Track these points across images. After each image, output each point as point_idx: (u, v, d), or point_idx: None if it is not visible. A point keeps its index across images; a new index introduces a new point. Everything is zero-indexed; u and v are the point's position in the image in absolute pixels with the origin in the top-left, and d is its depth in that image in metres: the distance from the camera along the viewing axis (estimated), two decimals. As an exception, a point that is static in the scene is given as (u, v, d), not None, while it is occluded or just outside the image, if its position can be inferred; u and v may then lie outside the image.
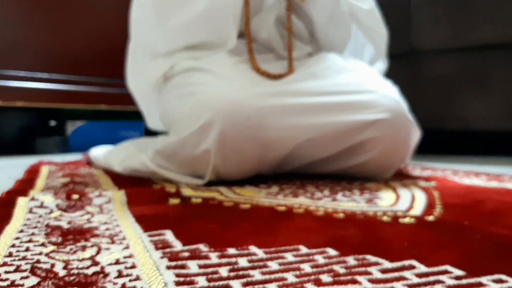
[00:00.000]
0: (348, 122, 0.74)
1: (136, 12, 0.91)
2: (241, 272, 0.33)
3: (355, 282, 0.31)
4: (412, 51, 1.35)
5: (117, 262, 0.35)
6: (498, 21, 1.21)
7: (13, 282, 0.31)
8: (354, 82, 0.78)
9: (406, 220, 0.49)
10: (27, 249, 0.38)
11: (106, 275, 0.32)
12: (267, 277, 0.32)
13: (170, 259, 0.36)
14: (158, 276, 0.32)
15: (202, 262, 0.35)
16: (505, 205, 0.57)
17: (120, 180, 0.79)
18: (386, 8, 1.02)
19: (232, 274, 0.32)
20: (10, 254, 0.37)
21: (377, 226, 0.47)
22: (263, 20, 0.86)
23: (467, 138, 1.46)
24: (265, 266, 0.34)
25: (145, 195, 0.64)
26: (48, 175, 0.87)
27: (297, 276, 0.32)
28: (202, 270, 0.33)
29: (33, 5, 1.56)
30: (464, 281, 0.31)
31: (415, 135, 0.79)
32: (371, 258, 0.36)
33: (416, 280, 0.31)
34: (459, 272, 0.32)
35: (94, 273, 0.32)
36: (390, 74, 0.97)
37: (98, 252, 0.37)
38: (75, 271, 0.33)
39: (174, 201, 0.60)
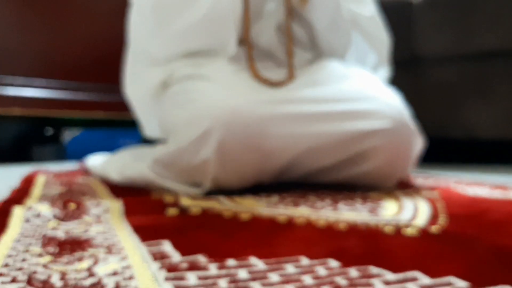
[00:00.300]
0: (349, 131, 0.74)
1: (134, 18, 0.91)
2: (240, 284, 0.33)
3: (357, 294, 0.31)
4: (414, 58, 1.36)
5: (115, 273, 0.35)
6: (501, 28, 1.21)
7: (9, 293, 0.31)
8: (355, 89, 0.78)
9: (409, 230, 0.49)
10: (24, 260, 0.38)
11: (103, 286, 0.32)
12: (267, 288, 0.32)
13: (169, 270, 0.36)
14: (156, 288, 0.32)
15: (201, 273, 0.35)
16: (510, 215, 0.57)
17: (117, 189, 0.79)
18: (388, 15, 1.02)
19: (231, 286, 0.32)
20: (7, 265, 0.37)
21: (379, 236, 0.47)
22: (263, 27, 0.86)
23: (471, 147, 1.46)
24: (265, 277, 0.34)
25: (143, 205, 0.64)
26: (45, 184, 0.87)
27: (298, 288, 0.32)
28: (201, 282, 0.33)
29: (30, 12, 1.57)
30: (468, 293, 0.31)
31: (418, 144, 0.80)
32: (374, 269, 0.36)
33: (419, 292, 0.31)
34: (463, 284, 0.32)
35: (92, 285, 0.32)
36: (393, 81, 0.97)
37: (95, 263, 0.37)
38: (72, 282, 0.33)
39: (173, 211, 0.60)
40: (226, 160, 0.71)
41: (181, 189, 0.75)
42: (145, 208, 0.62)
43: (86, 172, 1.10)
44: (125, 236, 0.46)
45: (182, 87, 0.81)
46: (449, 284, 0.33)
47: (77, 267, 0.36)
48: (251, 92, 0.75)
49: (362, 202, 0.67)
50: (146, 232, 0.48)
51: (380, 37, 0.96)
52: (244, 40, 0.84)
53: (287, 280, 0.34)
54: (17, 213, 0.56)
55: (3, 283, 0.33)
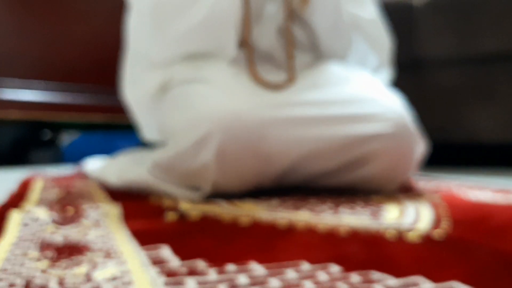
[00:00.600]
0: (350, 135, 0.74)
1: (133, 21, 0.91)
2: (241, 289, 0.33)
3: (358, 299, 0.31)
4: (416, 61, 1.36)
5: (114, 278, 0.35)
6: (504, 31, 1.22)
7: (6, 298, 0.31)
8: (356, 93, 0.79)
9: (411, 235, 0.49)
10: (22, 264, 0.38)
11: (102, 291, 0.32)
12: (267, 293, 0.32)
13: (168, 275, 0.36)
14: (155, 293, 0.32)
15: (200, 278, 0.35)
16: (513, 219, 0.57)
17: (116, 193, 0.80)
18: (390, 18, 1.03)
19: (231, 290, 0.33)
20: (4, 269, 0.37)
21: (381, 241, 0.47)
22: (263, 29, 0.86)
23: (474, 150, 1.46)
24: (266, 282, 0.34)
25: (142, 209, 0.64)
26: (43, 188, 0.87)
27: (298, 293, 0.32)
28: (200, 287, 0.33)
29: (27, 14, 1.57)
30: (470, 298, 0.31)
31: (420, 147, 0.80)
32: (375, 274, 0.36)
33: (420, 297, 0.31)
34: (465, 289, 0.33)
35: (90, 289, 0.33)
36: (395, 84, 0.97)
37: (93, 268, 0.37)
38: (71, 287, 0.33)
39: (172, 215, 0.60)
40: (226, 164, 0.71)
41: (180, 193, 0.76)
42: (144, 212, 0.62)
43: (84, 176, 1.10)
44: (124, 241, 0.47)
45: (181, 91, 0.81)
46: (451, 289, 0.33)
47: (75, 272, 0.36)
48: (251, 96, 0.76)
49: (364, 206, 0.68)
50: (145, 237, 0.48)
51: (381, 39, 0.97)
52: (244, 43, 0.84)
53: (287, 285, 0.34)
54: (15, 217, 0.56)
55: (1, 287, 0.33)
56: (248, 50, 0.83)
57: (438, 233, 0.50)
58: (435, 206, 0.67)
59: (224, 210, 0.64)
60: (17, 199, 0.73)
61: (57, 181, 1.00)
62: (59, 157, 1.63)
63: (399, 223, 0.55)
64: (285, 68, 0.84)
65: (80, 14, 1.67)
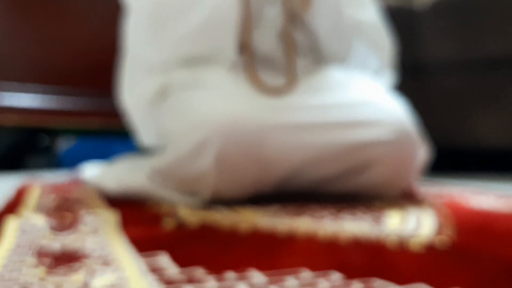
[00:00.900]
0: (351, 141, 0.75)
1: (131, 25, 0.91)
2: (240, 296, 0.33)
3: (359, 307, 0.31)
4: (419, 65, 1.37)
5: (111, 286, 0.35)
6: (507, 35, 1.22)
7: (3, 306, 0.31)
8: (357, 98, 0.79)
9: (413, 242, 0.49)
10: (19, 271, 0.38)
11: (100, 299, 0.32)
12: (267, 301, 0.32)
13: (166, 283, 0.36)
14: (154, 300, 0.32)
15: (199, 286, 0.35)
16: (516, 226, 0.57)
17: (114, 200, 0.80)
18: (392, 22, 1.03)
19: (231, 298, 0.33)
20: (2, 276, 0.37)
21: (383, 248, 0.47)
22: (263, 33, 0.87)
23: (477, 156, 1.46)
24: (266, 290, 0.34)
25: (140, 216, 0.64)
26: (40, 194, 0.87)
27: (298, 301, 0.32)
28: (199, 294, 0.33)
29: (24, 18, 1.58)
30: (472, 306, 0.31)
31: (423, 153, 0.80)
32: (378, 281, 0.36)
33: (422, 305, 0.31)
34: (467, 297, 0.33)
35: (88, 297, 0.33)
36: (398, 88, 0.97)
37: (91, 275, 0.38)
38: (68, 295, 0.33)
39: (170, 222, 0.60)
40: (225, 169, 0.71)
41: (179, 199, 0.76)
42: (142, 219, 0.62)
43: (81, 182, 1.10)
44: (122, 248, 0.47)
45: (180, 96, 0.81)
46: (453, 297, 0.33)
47: (73, 279, 0.36)
48: (250, 101, 0.76)
49: (365, 212, 0.68)
50: (143, 244, 0.48)
51: (383, 42, 0.97)
52: (244, 47, 0.84)
53: (287, 292, 0.34)
54: (13, 224, 0.56)
55: (-3, 295, 0.33)
56: (248, 54, 0.83)
57: (440, 240, 0.50)
58: (437, 212, 0.67)
59: (223, 216, 0.64)
60: (14, 205, 0.73)
61: (55, 187, 1.00)
62: (55, 163, 1.63)
63: (401, 230, 0.55)
64: (285, 72, 0.84)
65: (77, 17, 1.68)
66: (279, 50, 0.87)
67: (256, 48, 0.86)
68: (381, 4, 1.02)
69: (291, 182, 0.79)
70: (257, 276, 0.37)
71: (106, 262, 0.41)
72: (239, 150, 0.71)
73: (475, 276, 0.38)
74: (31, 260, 0.42)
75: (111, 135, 1.79)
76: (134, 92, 0.96)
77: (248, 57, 0.83)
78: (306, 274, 0.38)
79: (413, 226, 0.58)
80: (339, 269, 0.39)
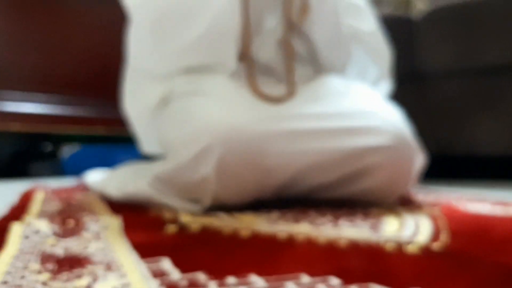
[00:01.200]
0: (349, 148, 0.75)
1: (133, 35, 0.92)
2: (241, 301, 0.33)
3: (357, 311, 0.31)
4: (417, 73, 1.37)
5: (114, 291, 0.35)
6: (504, 43, 1.22)
7: (8, 311, 0.31)
8: (355, 106, 0.79)
9: (411, 247, 0.49)
10: (23, 277, 0.38)
11: (103, 304, 0.32)
12: (267, 306, 0.32)
13: (169, 288, 0.36)
14: (156, 305, 0.32)
15: (201, 290, 0.35)
16: (512, 232, 0.57)
17: (116, 206, 0.80)
18: (390, 30, 1.03)
19: (232, 303, 0.33)
20: (5, 282, 0.37)
21: (380, 254, 0.47)
22: (263, 42, 0.87)
23: (475, 163, 1.46)
24: (266, 295, 0.34)
25: (142, 222, 0.64)
26: (43, 201, 0.87)
27: (298, 306, 0.32)
28: (201, 299, 0.33)
29: (28, 27, 1.58)
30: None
31: (420, 160, 0.80)
32: (375, 287, 0.36)
33: (420, 309, 0.31)
34: (464, 302, 0.33)
35: (91, 302, 0.33)
36: (395, 97, 0.98)
37: (94, 280, 0.38)
38: (71, 300, 0.33)
39: (172, 227, 0.60)
40: (225, 176, 0.71)
41: (180, 205, 0.76)
42: (144, 224, 0.62)
43: (85, 188, 1.10)
44: (124, 253, 0.47)
45: (181, 104, 0.81)
46: (450, 302, 0.33)
47: (76, 285, 0.36)
48: (251, 109, 0.76)
49: (363, 218, 0.68)
50: (146, 249, 0.48)
51: (381, 51, 0.97)
52: (244, 56, 0.85)
53: (287, 297, 0.34)
54: (16, 230, 0.56)
55: (2, 300, 0.33)
56: (248, 63, 0.83)
57: (437, 246, 0.50)
58: (434, 218, 0.67)
59: (224, 223, 0.64)
60: (18, 211, 0.73)
61: (58, 193, 1.00)
62: (59, 170, 1.63)
63: (399, 236, 0.55)
64: (285, 81, 0.85)
65: (81, 27, 1.68)
66: (278, 58, 0.87)
67: (256, 57, 0.87)
68: (378, 13, 1.02)
69: (290, 189, 0.79)
70: (257, 281, 0.37)
71: (109, 268, 0.41)
72: (239, 158, 0.71)
73: (472, 281, 0.37)
74: (35, 266, 0.42)
75: (115, 142, 1.79)
76: (135, 100, 0.97)
77: (248, 65, 0.83)
78: (305, 280, 0.38)
79: (411, 232, 0.58)
80: (338, 274, 0.39)
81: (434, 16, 1.33)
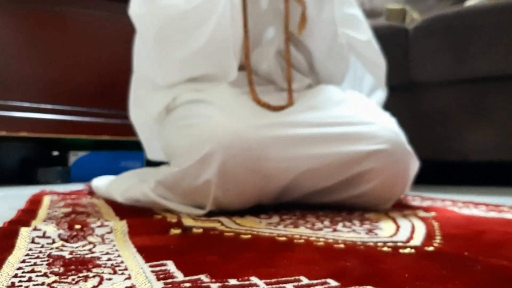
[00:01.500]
0: (347, 153, 0.75)
1: (138, 46, 0.92)
2: (242, 303, 0.33)
3: (356, 313, 0.31)
4: (410, 83, 1.37)
5: (119, 293, 0.35)
6: (495, 54, 1.23)
7: (15, 313, 0.31)
8: (353, 114, 0.79)
9: (407, 251, 0.49)
10: (30, 279, 0.38)
11: (108, 306, 0.32)
12: (268, 308, 0.32)
13: (172, 290, 0.35)
14: (159, 307, 0.32)
15: (203, 293, 0.35)
16: (506, 236, 0.57)
17: (121, 210, 0.79)
18: (385, 42, 1.03)
19: (233, 305, 0.32)
20: (13, 284, 0.37)
21: (377, 257, 0.47)
22: (263, 53, 0.87)
23: (466, 169, 1.46)
24: (267, 297, 0.34)
25: (147, 226, 0.64)
26: (50, 205, 0.87)
27: (298, 308, 0.32)
28: (203, 301, 0.33)
29: (37, 39, 1.59)
30: (464, 313, 0.31)
31: (414, 166, 0.80)
32: (372, 289, 0.36)
33: (417, 311, 0.31)
34: (459, 304, 0.32)
35: (96, 304, 0.32)
36: (390, 106, 0.98)
37: (100, 283, 0.37)
38: (77, 302, 0.33)
39: (175, 231, 0.60)
40: (227, 182, 0.71)
41: (183, 210, 0.76)
42: (148, 228, 0.62)
43: (91, 193, 1.10)
44: (129, 256, 0.46)
45: (184, 111, 0.81)
46: (446, 304, 0.32)
47: (82, 287, 0.36)
48: (251, 116, 0.76)
49: (360, 223, 0.67)
50: (150, 252, 0.48)
51: (377, 60, 0.97)
52: (245, 66, 0.85)
53: (287, 300, 0.33)
54: (23, 234, 0.56)
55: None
56: (248, 73, 0.84)
57: (433, 249, 0.50)
58: (429, 223, 0.66)
59: (225, 227, 0.64)
60: (25, 216, 0.73)
61: (65, 198, 1.00)
62: (67, 176, 1.63)
63: (395, 240, 0.55)
64: (284, 90, 0.85)
65: (90, 38, 1.68)
66: (278, 69, 0.87)
67: (256, 67, 0.87)
68: (375, 23, 1.02)
69: (290, 193, 0.79)
70: (258, 284, 0.37)
71: (114, 271, 0.41)
72: (240, 163, 0.71)
73: (466, 283, 0.37)
74: (42, 269, 0.42)
75: (122, 149, 1.79)
76: (140, 108, 0.97)
77: (248, 75, 0.83)
78: (304, 282, 0.38)
79: (406, 236, 0.57)
80: (336, 277, 0.39)
81: (426, 27, 1.33)
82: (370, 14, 1.92)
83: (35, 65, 1.57)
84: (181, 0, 0.81)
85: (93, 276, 0.39)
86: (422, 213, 0.76)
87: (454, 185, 1.38)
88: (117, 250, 0.49)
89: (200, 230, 0.61)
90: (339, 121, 0.77)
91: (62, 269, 0.41)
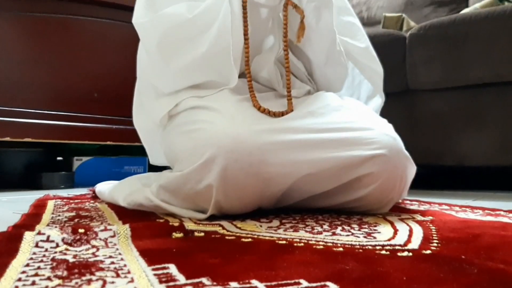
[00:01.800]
0: (346, 158, 0.74)
1: (141, 53, 0.92)
2: (243, 306, 0.32)
3: (355, 316, 0.31)
4: (407, 90, 1.37)
5: (122, 296, 0.35)
6: (489, 61, 1.23)
7: (19, 315, 0.31)
8: (351, 119, 0.79)
9: (404, 254, 0.49)
10: (33, 283, 0.38)
11: (111, 308, 0.32)
12: (269, 311, 0.32)
13: (174, 293, 0.35)
14: (162, 310, 0.32)
15: (205, 296, 0.35)
16: (502, 239, 0.57)
17: (124, 214, 0.79)
18: (383, 50, 1.03)
19: (234, 308, 0.32)
20: (17, 288, 0.37)
21: (376, 260, 0.47)
22: (263, 60, 0.87)
23: (462, 174, 1.46)
24: (267, 300, 0.34)
25: (149, 229, 0.64)
26: (54, 210, 0.87)
27: (298, 310, 0.32)
28: (205, 304, 0.33)
29: (41, 46, 1.59)
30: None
31: (412, 170, 0.80)
32: (371, 292, 0.35)
33: (415, 314, 0.31)
34: (457, 306, 0.32)
35: (99, 307, 0.32)
36: (387, 112, 0.97)
37: (103, 286, 0.37)
38: (81, 305, 0.33)
39: (178, 235, 0.59)
40: (228, 186, 0.71)
41: (185, 214, 0.75)
42: (151, 232, 0.62)
43: (94, 197, 1.10)
44: (132, 260, 0.46)
45: (186, 117, 0.81)
46: (444, 306, 0.32)
47: (85, 290, 0.36)
48: (252, 122, 0.76)
49: (359, 227, 0.67)
50: (152, 256, 0.48)
51: (374, 67, 0.97)
52: (245, 73, 0.85)
53: (288, 302, 0.33)
54: (27, 238, 0.56)
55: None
56: (248, 80, 0.84)
57: (430, 253, 0.50)
58: (426, 226, 0.66)
59: (226, 231, 0.64)
60: (29, 220, 0.72)
61: (68, 202, 1.00)
62: (71, 181, 1.63)
63: (393, 243, 0.55)
64: (284, 97, 0.85)
65: (94, 45, 1.69)
66: (278, 76, 0.87)
67: (256, 74, 0.87)
68: (373, 30, 1.02)
69: (290, 197, 0.78)
70: (259, 287, 0.37)
71: (117, 274, 0.41)
72: (241, 168, 0.71)
73: (463, 286, 0.37)
74: (45, 272, 0.41)
75: (126, 153, 1.79)
76: (143, 114, 0.97)
77: (248, 82, 0.83)
78: (304, 285, 0.37)
79: (404, 239, 0.57)
80: (335, 280, 0.39)
81: (422, 34, 1.33)
82: (368, 23, 1.93)
83: (39, 71, 1.57)
84: (183, 9, 0.81)
85: (96, 280, 0.39)
86: (419, 217, 0.75)
87: (451, 190, 1.37)
88: (120, 254, 0.49)
89: (202, 234, 0.61)
90: (338, 127, 0.77)
91: (65, 273, 0.41)
